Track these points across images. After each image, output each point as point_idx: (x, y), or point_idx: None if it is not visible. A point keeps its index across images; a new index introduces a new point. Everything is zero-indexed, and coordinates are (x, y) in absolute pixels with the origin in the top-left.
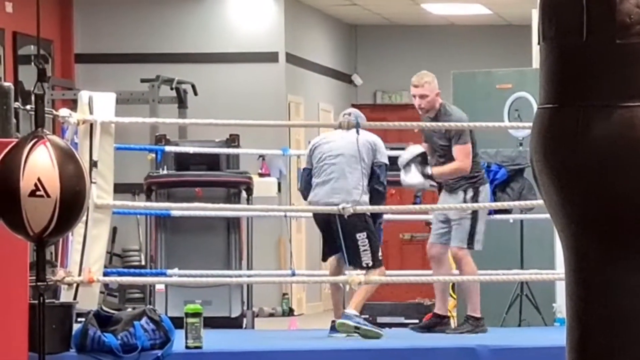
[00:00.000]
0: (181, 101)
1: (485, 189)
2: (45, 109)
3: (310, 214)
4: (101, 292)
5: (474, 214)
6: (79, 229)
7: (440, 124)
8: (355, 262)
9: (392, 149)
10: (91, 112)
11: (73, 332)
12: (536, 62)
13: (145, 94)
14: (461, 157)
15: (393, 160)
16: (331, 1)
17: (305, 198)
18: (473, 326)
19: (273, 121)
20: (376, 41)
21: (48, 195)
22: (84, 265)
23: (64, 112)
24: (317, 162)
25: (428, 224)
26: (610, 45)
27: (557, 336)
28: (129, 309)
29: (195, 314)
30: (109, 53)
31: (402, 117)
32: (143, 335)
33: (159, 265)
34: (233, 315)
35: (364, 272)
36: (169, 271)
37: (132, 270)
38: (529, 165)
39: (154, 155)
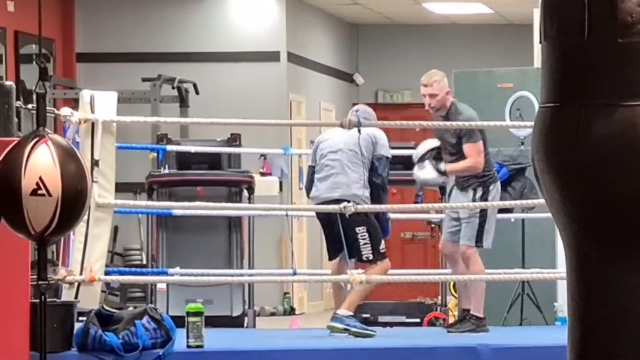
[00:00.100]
0: (183, 100)
1: (496, 188)
2: (47, 108)
3: (311, 213)
4: (102, 291)
5: (484, 212)
6: (80, 228)
7: (445, 123)
8: (356, 256)
9: (393, 148)
10: (93, 111)
11: (74, 331)
12: (537, 61)
13: (146, 93)
14: (473, 155)
15: (394, 159)
16: (333, 0)
17: (308, 195)
18: (475, 325)
19: (274, 120)
20: (378, 40)
21: (49, 194)
22: (86, 264)
23: (65, 111)
24: (319, 159)
25: (429, 223)
26: (612, 44)
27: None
28: (131, 308)
29: (197, 313)
30: (111, 52)
31: (404, 117)
32: (144, 334)
33: (160, 264)
34: (234, 314)
35: (365, 266)
36: (171, 270)
37: (133, 269)
38: (531, 165)
39: (155, 154)
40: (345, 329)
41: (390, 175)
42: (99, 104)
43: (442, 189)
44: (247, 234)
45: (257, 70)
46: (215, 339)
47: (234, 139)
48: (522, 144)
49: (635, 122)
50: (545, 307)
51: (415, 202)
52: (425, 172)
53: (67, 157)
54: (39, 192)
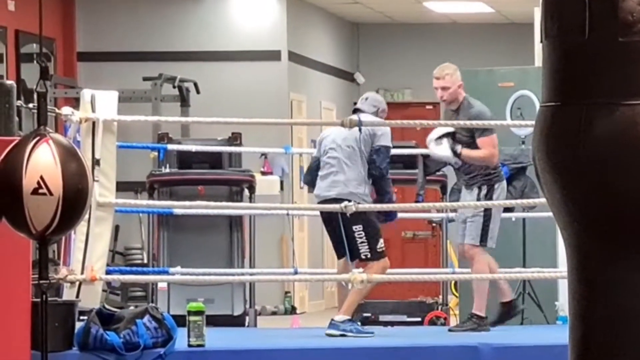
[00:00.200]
0: (183, 99)
1: (501, 186)
2: (48, 107)
3: (312, 212)
4: (103, 290)
5: (488, 211)
6: (81, 227)
7: (447, 122)
8: (355, 255)
9: (393, 147)
10: (93, 110)
11: (75, 330)
12: (538, 60)
13: (147, 92)
14: (489, 148)
15: (395, 159)
16: None
17: (310, 185)
18: (476, 324)
19: (275, 119)
20: (378, 39)
21: (50, 193)
22: (87, 263)
23: (66, 110)
24: (322, 156)
25: (430, 222)
26: (613, 43)
27: (560, 334)
28: (132, 307)
29: (198, 312)
30: (112, 51)
31: (405, 116)
32: (145, 333)
33: (161, 264)
34: (235, 314)
35: (365, 265)
36: (172, 269)
37: (134, 268)
38: (532, 164)
39: (156, 153)
40: (342, 335)
41: (390, 174)
42: (100, 103)
43: (443, 188)
44: (248, 233)
45: (258, 69)
46: (216, 338)
47: (235, 138)
48: (523, 143)
49: (636, 121)
50: (546, 306)
51: (416, 202)
52: (441, 149)
53: (68, 156)
54: (40, 191)
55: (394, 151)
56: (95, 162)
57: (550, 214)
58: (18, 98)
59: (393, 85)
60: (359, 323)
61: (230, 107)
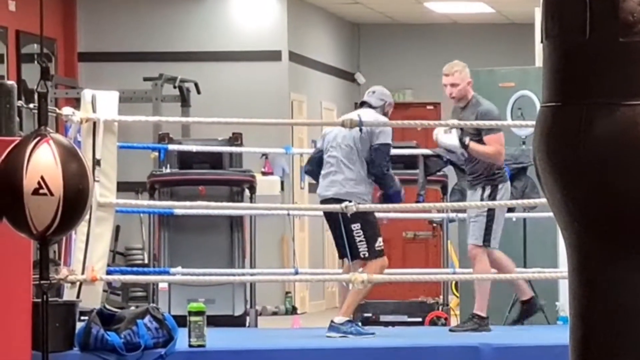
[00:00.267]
0: (184, 100)
1: (505, 187)
2: (49, 107)
3: (313, 212)
4: (104, 291)
5: (491, 211)
6: (82, 227)
7: (449, 122)
8: (355, 254)
9: (394, 147)
10: (94, 111)
11: (76, 331)
12: (539, 60)
13: (148, 93)
14: (496, 145)
15: (396, 159)
16: None
17: (310, 176)
18: (477, 325)
19: (276, 120)
20: (379, 40)
21: (51, 194)
22: (87, 263)
23: (67, 110)
24: (324, 152)
25: (431, 222)
26: (613, 43)
27: (560, 335)
28: (132, 308)
29: (199, 313)
30: (112, 52)
31: (405, 116)
32: (146, 333)
33: (162, 264)
34: (236, 314)
35: (364, 264)
36: (172, 270)
37: (135, 268)
38: (532, 164)
39: (157, 153)
40: (343, 337)
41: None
42: (101, 103)
43: (444, 188)
44: (248, 234)
45: (259, 69)
46: (217, 338)
47: (236, 138)
48: (524, 143)
49: (636, 121)
50: (547, 306)
51: (417, 202)
52: (449, 138)
53: (69, 156)
54: (41, 191)
55: (394, 151)
56: (96, 163)
57: (551, 214)
58: (19, 98)
59: (394, 85)
60: (360, 323)
61: (231, 107)
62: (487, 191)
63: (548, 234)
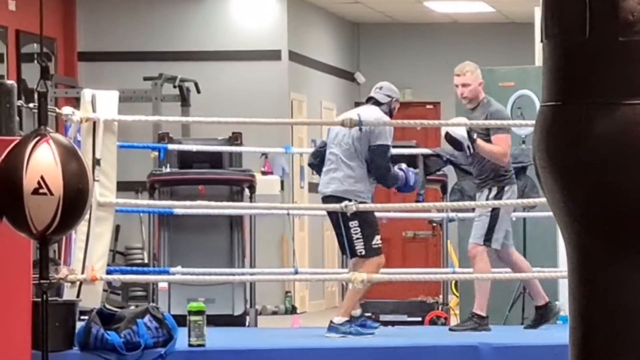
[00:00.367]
0: (184, 99)
1: (512, 190)
2: (48, 107)
3: (313, 212)
4: (104, 290)
5: (495, 212)
6: (81, 226)
7: (452, 121)
8: (354, 252)
9: (394, 147)
10: (94, 110)
11: (76, 330)
12: (539, 59)
13: (148, 92)
14: (503, 146)
15: (396, 159)
16: None
17: (312, 168)
18: (477, 324)
19: (276, 119)
20: (379, 39)
21: (51, 193)
22: (87, 263)
23: (66, 110)
24: (328, 148)
25: (431, 222)
26: (613, 42)
27: (560, 334)
28: (132, 307)
29: (198, 312)
30: (112, 51)
31: (405, 115)
32: (146, 333)
33: (162, 263)
34: (236, 313)
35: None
36: (172, 269)
37: (135, 268)
38: (532, 163)
39: (156, 153)
40: (342, 337)
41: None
42: (101, 102)
43: (444, 187)
44: (248, 233)
45: (259, 69)
46: (216, 337)
47: (235, 138)
48: (524, 142)
49: (636, 120)
50: None
51: (417, 201)
52: (458, 129)
53: (69, 156)
54: (41, 191)
55: (394, 151)
56: (96, 162)
57: (551, 213)
58: (19, 98)
59: (393, 84)
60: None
61: (231, 107)
62: (494, 192)
63: (548, 233)
